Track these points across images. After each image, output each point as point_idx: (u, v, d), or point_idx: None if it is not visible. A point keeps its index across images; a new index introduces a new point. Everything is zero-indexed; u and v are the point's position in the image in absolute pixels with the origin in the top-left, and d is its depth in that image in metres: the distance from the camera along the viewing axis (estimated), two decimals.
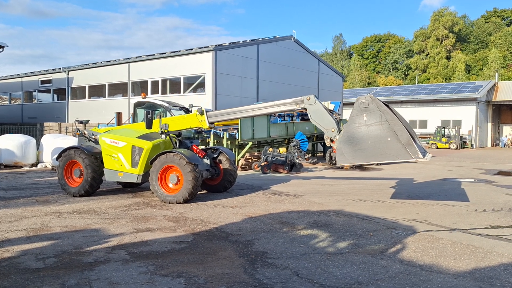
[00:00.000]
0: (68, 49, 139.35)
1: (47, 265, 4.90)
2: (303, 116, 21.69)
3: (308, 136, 19.66)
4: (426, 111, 41.67)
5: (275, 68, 27.41)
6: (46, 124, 25.37)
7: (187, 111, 11.13)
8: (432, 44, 78.94)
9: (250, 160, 16.89)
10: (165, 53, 25.50)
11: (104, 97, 28.82)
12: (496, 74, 49.45)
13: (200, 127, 10.03)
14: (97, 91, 29.82)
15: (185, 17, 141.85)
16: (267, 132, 18.14)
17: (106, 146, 9.63)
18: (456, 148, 34.91)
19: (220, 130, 17.28)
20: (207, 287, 4.25)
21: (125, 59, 27.66)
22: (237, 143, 17.38)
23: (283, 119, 20.60)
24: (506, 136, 42.34)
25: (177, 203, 8.73)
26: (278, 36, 28.22)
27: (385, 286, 4.29)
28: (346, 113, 40.48)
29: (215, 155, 10.40)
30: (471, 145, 37.74)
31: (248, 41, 26.49)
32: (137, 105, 11.31)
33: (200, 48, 23.78)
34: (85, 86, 29.84)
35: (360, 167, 17.81)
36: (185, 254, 5.36)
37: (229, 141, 16.98)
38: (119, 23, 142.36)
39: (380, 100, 7.83)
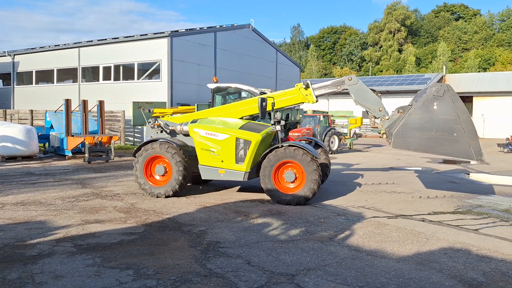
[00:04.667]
0: (14, 32, 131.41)
1: None
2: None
3: None
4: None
5: (233, 57, 27.25)
6: None
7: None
8: (385, 37, 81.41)
9: None
10: (118, 38, 24.65)
11: (53, 83, 27.50)
12: (444, 67, 51.79)
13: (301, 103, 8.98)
14: (45, 76, 28.39)
15: (141, 0, 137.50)
16: None
17: (202, 139, 8.27)
18: None
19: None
20: (156, 278, 4.19)
21: (75, 43, 26.48)
22: None
23: None
24: None
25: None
26: (236, 25, 28.01)
27: (332, 272, 4.43)
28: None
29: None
30: None
31: (206, 28, 26.12)
32: (216, 91, 10.08)
33: (155, 33, 23.16)
34: (32, 71, 28.32)
35: None
36: (135, 246, 5.25)
37: None
38: (69, 5, 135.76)
39: (455, 93, 7.39)
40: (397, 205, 7.95)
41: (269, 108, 8.32)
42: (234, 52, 27.36)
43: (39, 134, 16.46)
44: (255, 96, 9.50)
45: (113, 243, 5.34)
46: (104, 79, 24.72)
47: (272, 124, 8.37)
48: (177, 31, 23.80)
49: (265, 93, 9.78)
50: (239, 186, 9.90)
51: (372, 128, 40.02)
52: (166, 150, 8.25)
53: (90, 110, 16.73)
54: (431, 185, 10.45)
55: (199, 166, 8.40)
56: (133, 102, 17.97)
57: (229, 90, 10.24)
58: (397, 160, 16.96)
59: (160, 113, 18.27)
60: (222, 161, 8.16)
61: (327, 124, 21.98)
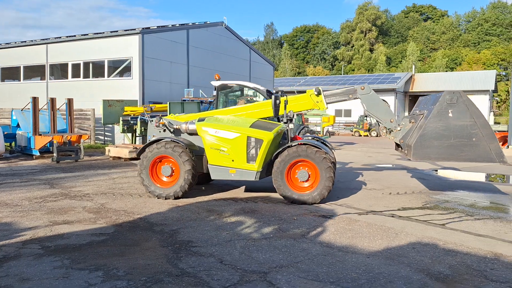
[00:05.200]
0: None
1: None
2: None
3: None
4: (350, 101, 43.68)
5: (206, 54, 27.07)
6: None
7: (271, 95, 10.10)
8: (357, 37, 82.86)
9: None
10: (87, 34, 24.04)
11: (19, 80, 26.60)
12: (413, 66, 53.10)
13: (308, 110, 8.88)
14: (11, 73, 27.42)
15: None
16: None
17: (211, 138, 7.97)
18: (376, 136, 37.12)
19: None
20: (127, 279, 4.13)
21: (43, 39, 25.64)
22: None
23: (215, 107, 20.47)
24: None
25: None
26: (208, 22, 27.84)
27: (304, 268, 4.47)
28: None
29: None
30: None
31: (178, 25, 25.83)
32: (221, 88, 9.63)
33: (126, 30, 22.74)
34: None
35: None
36: (105, 247, 5.15)
37: None
38: (35, 0, 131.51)
39: (468, 98, 7.35)
40: (368, 201, 8.10)
41: (281, 111, 8.13)
42: (207, 49, 27.19)
43: (5, 133, 15.88)
44: (261, 94, 9.29)
45: (82, 244, 5.22)
46: (73, 76, 24.08)
47: (284, 123, 8.21)
48: (149, 28, 23.44)
49: (271, 92, 9.72)
50: (212, 185, 9.86)
51: (345, 127, 40.63)
52: (173, 149, 7.96)
53: (58, 108, 16.27)
54: (401, 181, 10.70)
55: (208, 165, 8.13)
56: (103, 100, 17.61)
57: (234, 88, 9.92)
58: (369, 157, 17.28)
59: (131, 111, 17.98)
60: (232, 160, 7.91)
61: (301, 122, 22.16)
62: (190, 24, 26.54)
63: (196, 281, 4.10)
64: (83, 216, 6.65)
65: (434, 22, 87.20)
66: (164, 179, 8.19)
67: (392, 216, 6.87)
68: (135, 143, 17.94)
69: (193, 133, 8.47)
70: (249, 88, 9.80)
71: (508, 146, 7.33)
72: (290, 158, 7.67)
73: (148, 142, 8.41)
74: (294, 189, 7.75)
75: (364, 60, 79.62)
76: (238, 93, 10.06)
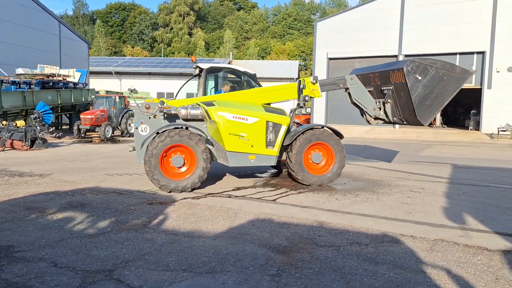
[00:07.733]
0: None
1: None
2: (44, 85, 19.24)
3: (52, 107, 17.60)
4: (173, 83, 43.56)
5: (6, 26, 23.05)
6: None
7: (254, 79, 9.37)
8: (175, 20, 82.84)
9: None
10: None
11: None
12: (231, 53, 56.15)
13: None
14: None
15: None
16: None
17: (229, 124, 7.54)
18: None
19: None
20: None
21: None
22: None
23: (18, 87, 17.68)
24: None
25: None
26: None
27: (153, 260, 4.29)
28: (93, 83, 38.27)
29: None
30: None
31: None
32: (210, 71, 8.75)
33: None
34: None
35: (112, 140, 17.28)
36: None
37: None
38: None
39: (418, 57, 7.95)
40: (204, 183, 8.23)
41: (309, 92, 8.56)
42: (7, 21, 23.19)
43: None
44: (251, 79, 9.16)
45: None
46: None
47: (300, 107, 8.51)
48: None
49: (255, 75, 9.37)
50: (26, 179, 8.58)
51: None
52: (191, 139, 7.47)
53: None
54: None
55: (226, 152, 7.68)
56: None
57: (224, 70, 9.54)
58: None
59: None
60: (252, 146, 7.80)
61: (123, 106, 21.09)
62: None
63: None
64: None
65: (246, 12, 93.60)
66: (174, 169, 7.63)
67: (230, 197, 7.18)
68: None
69: (192, 119, 7.91)
70: (240, 71, 9.39)
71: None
72: (309, 141, 8.04)
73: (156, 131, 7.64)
74: (310, 171, 8.14)
75: (184, 43, 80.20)
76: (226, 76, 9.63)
